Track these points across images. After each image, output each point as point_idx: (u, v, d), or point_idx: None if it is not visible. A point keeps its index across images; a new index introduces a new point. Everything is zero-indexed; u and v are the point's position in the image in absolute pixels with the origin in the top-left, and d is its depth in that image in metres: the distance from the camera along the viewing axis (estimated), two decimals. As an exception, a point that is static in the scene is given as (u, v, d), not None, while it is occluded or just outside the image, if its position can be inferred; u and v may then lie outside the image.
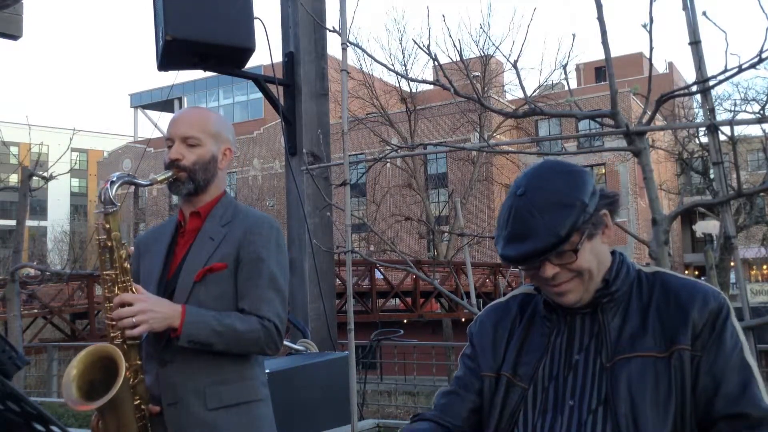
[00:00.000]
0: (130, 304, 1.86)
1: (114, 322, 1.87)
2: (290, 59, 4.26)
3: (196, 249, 2.04)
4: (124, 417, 1.87)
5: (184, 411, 1.95)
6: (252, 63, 4.18)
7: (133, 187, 2.04)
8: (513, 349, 1.42)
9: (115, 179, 1.93)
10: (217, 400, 1.97)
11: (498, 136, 28.62)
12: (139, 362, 1.93)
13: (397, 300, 25.12)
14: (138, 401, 1.91)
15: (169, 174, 2.03)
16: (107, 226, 1.92)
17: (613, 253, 1.40)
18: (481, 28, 30.18)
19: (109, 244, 1.91)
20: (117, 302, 1.87)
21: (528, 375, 1.38)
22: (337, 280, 11.97)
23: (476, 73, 27.46)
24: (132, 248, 2.03)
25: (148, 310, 1.86)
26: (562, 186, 1.31)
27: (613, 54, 2.35)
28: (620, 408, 1.26)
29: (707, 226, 31.65)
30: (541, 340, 1.40)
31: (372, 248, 29.18)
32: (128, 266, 1.93)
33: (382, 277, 23.35)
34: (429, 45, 2.81)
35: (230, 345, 1.94)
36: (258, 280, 2.00)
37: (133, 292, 1.90)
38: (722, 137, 2.39)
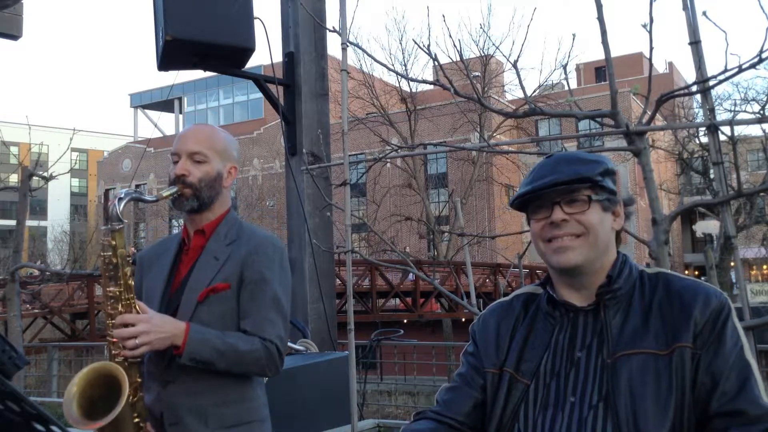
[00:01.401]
0: (132, 325, 1.85)
1: (116, 341, 1.86)
2: (290, 59, 4.26)
3: (200, 268, 2.04)
4: None
5: (185, 431, 1.95)
6: (252, 63, 4.18)
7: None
8: (516, 346, 1.43)
9: (122, 196, 1.92)
10: (219, 420, 1.97)
11: (498, 136, 28.61)
12: (139, 380, 1.92)
13: (397, 300, 25.11)
14: (137, 419, 1.90)
15: (175, 190, 2.02)
16: (113, 242, 1.90)
17: (618, 252, 1.43)
18: (481, 28, 30.22)
19: (115, 260, 1.90)
20: (119, 323, 1.86)
21: (530, 371, 1.39)
22: (337, 280, 11.97)
23: (476, 73, 27.44)
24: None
25: (151, 330, 1.85)
26: (587, 154, 1.44)
27: (613, 54, 2.35)
28: (620, 403, 1.27)
29: (707, 226, 31.65)
30: (543, 336, 1.41)
31: (408, 248, 28.19)
32: (132, 283, 1.92)
33: (413, 278, 23.15)
34: (429, 45, 2.82)
35: (232, 365, 1.94)
36: (261, 301, 2.00)
37: (136, 310, 1.89)
38: (722, 137, 2.39)
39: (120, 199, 1.91)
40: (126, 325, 1.85)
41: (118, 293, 1.89)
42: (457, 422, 1.45)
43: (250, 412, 2.03)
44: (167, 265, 2.08)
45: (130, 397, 1.87)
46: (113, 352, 1.88)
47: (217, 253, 2.04)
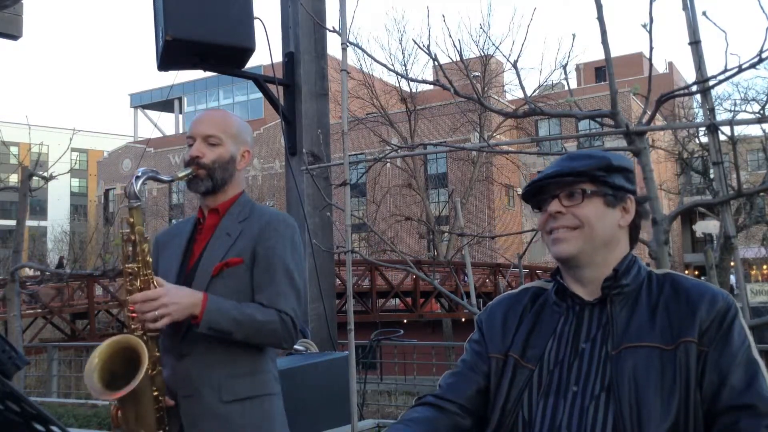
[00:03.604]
0: (151, 299, 1.90)
1: (135, 315, 1.91)
2: (290, 59, 4.26)
3: (213, 244, 2.09)
4: (143, 407, 1.92)
5: (199, 403, 1.99)
6: (252, 63, 4.18)
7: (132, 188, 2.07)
8: (522, 334, 1.45)
9: (140, 174, 1.99)
10: (232, 392, 2.01)
11: (498, 136, 28.60)
12: (157, 354, 1.97)
13: (397, 300, 25.11)
14: (156, 392, 1.94)
15: (189, 171, 2.08)
16: (131, 220, 1.97)
17: (629, 253, 1.46)
18: (481, 28, 30.22)
19: (133, 237, 1.96)
20: (139, 298, 1.90)
21: (535, 357, 1.41)
22: (337, 280, 11.96)
23: (476, 73, 27.44)
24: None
25: (170, 302, 1.90)
26: (597, 152, 1.48)
27: (613, 54, 2.35)
28: (624, 394, 1.28)
29: (707, 226, 31.65)
30: (549, 325, 1.43)
31: (463, 247, 27.34)
32: (150, 260, 1.97)
33: (465, 280, 23.02)
34: (429, 45, 2.82)
35: (249, 335, 1.98)
36: (274, 275, 2.04)
37: (154, 285, 1.94)
38: (722, 137, 2.39)
39: (137, 177, 1.98)
40: (146, 301, 1.90)
41: (136, 269, 1.95)
42: (458, 406, 1.46)
43: (262, 386, 2.07)
44: (182, 245, 2.15)
45: (149, 371, 1.91)
46: (132, 326, 1.93)
47: (229, 229, 2.10)
